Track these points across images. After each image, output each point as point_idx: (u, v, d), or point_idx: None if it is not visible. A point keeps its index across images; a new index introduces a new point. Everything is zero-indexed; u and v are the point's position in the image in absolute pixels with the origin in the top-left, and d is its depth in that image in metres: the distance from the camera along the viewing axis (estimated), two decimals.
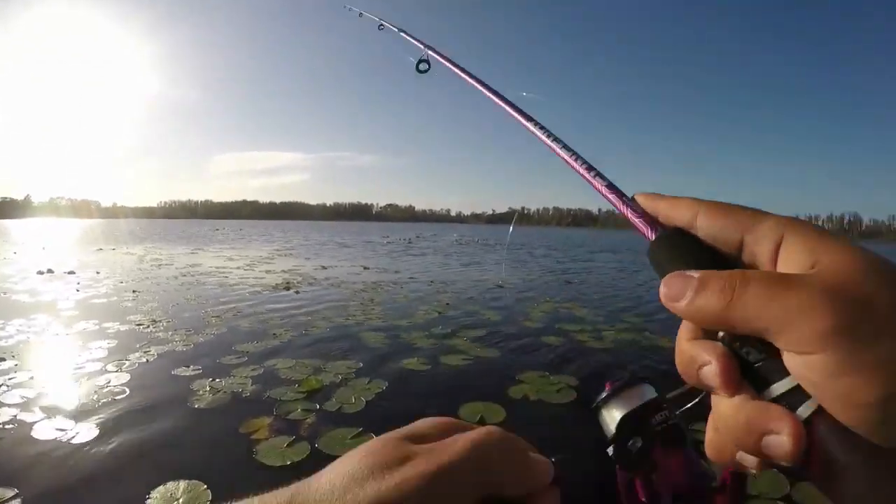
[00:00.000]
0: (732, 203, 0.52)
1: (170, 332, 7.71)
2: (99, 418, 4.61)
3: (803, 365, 0.40)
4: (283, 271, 16.93)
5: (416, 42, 1.73)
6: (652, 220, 0.58)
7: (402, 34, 1.92)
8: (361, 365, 6.26)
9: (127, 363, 6.18)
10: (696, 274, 0.47)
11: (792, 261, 0.45)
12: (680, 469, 0.58)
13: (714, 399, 0.49)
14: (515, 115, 0.88)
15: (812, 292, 0.40)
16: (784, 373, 0.43)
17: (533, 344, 7.66)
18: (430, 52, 1.60)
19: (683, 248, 0.53)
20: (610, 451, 0.60)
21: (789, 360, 0.42)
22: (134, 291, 11.91)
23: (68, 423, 4.49)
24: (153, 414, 4.74)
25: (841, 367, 0.38)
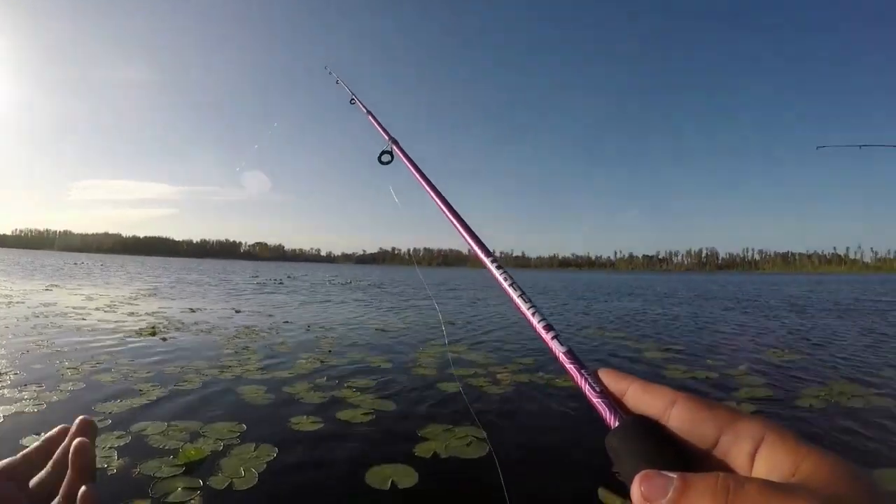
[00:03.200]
0: (710, 399, 0.52)
1: (17, 389, 6.70)
2: None
3: None
4: (148, 314, 15.78)
5: (381, 130, 1.68)
6: (615, 403, 0.55)
7: (369, 116, 1.89)
8: (245, 427, 5.55)
9: None
10: (673, 475, 0.45)
11: (773, 465, 0.45)
12: None
13: None
14: (472, 244, 0.87)
15: (806, 500, 0.40)
16: None
17: (429, 393, 7.22)
18: (394, 147, 1.54)
19: (654, 442, 0.50)
20: None
21: None
22: None
23: None
24: None
25: None
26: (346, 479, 4.47)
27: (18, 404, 6.08)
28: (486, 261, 0.81)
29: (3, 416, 5.68)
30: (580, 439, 5.50)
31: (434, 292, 32.04)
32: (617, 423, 0.53)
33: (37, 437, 4.92)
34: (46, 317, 14.08)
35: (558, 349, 0.62)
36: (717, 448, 0.48)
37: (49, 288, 25.07)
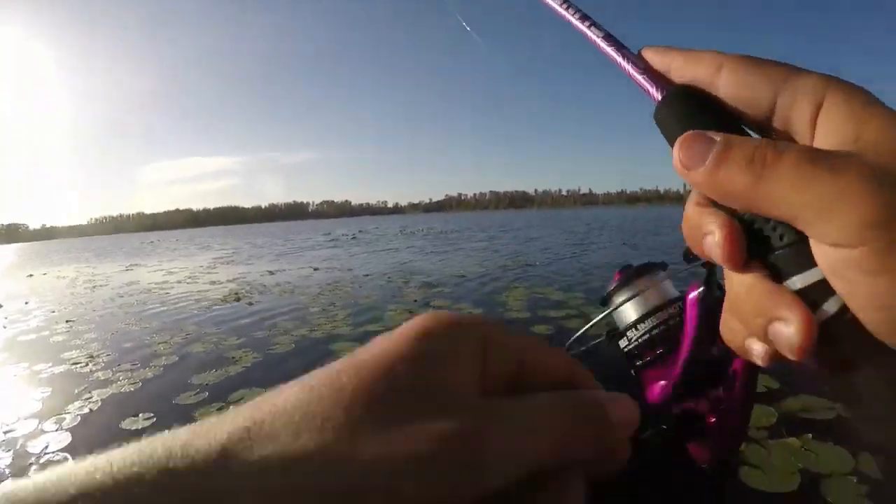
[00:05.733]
0: (766, 59, 0.41)
1: (112, 370, 6.61)
2: None
3: (835, 259, 0.34)
4: (229, 280, 15.75)
5: None
6: (660, 77, 0.47)
7: None
8: None
9: (67, 418, 5.10)
10: (717, 137, 0.38)
11: (832, 131, 0.36)
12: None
13: (728, 276, 0.41)
14: None
15: (854, 177, 0.33)
16: (810, 263, 0.36)
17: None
18: None
19: (701, 107, 0.43)
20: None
21: (819, 251, 0.35)
22: (67, 321, 10.66)
23: None
24: None
25: (879, 265, 0.32)
26: None
27: (115, 385, 6.00)
28: None
29: (101, 399, 5.57)
30: None
31: (495, 233, 31.69)
32: (661, 95, 0.45)
33: (136, 419, 4.83)
34: (131, 295, 14.14)
35: (596, 36, 0.52)
36: (775, 114, 0.39)
37: (129, 268, 25.38)
